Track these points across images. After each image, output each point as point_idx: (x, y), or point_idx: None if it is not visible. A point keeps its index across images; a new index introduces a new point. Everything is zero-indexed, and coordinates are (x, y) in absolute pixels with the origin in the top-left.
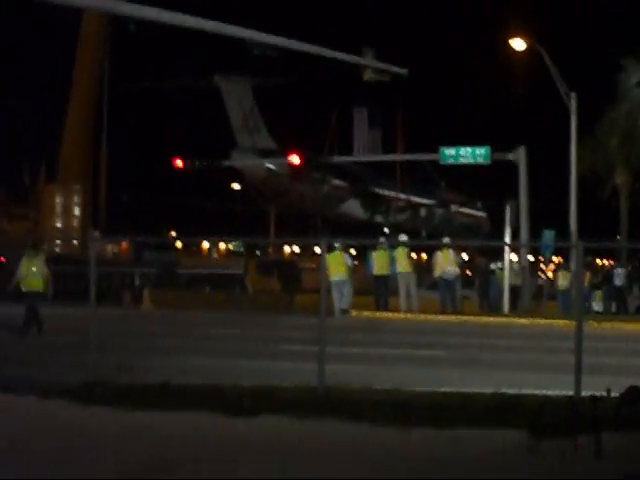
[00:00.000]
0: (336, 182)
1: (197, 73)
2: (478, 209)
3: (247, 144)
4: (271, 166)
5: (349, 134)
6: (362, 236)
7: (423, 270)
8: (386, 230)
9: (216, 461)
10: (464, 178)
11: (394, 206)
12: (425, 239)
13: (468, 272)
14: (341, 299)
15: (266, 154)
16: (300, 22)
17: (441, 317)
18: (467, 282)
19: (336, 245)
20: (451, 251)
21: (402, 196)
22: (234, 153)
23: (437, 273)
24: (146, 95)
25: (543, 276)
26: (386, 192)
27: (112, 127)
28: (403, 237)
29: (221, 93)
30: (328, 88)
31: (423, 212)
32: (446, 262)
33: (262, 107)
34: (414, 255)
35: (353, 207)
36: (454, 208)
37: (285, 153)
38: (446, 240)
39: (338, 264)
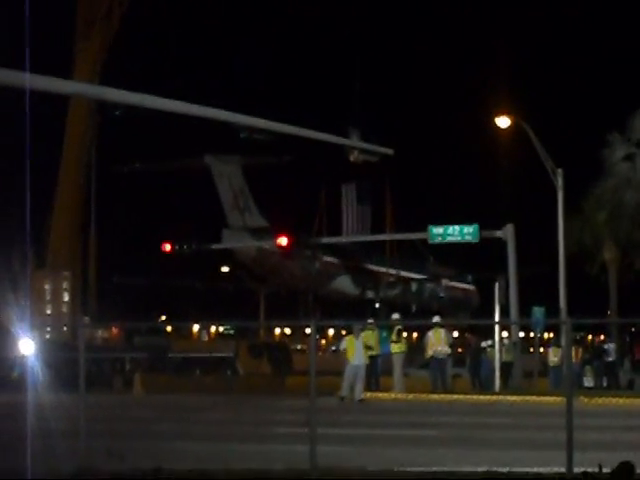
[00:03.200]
0: (327, 258)
1: (187, 154)
2: (468, 282)
3: (238, 223)
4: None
5: (339, 211)
6: (353, 312)
7: (414, 349)
8: (377, 306)
9: None
10: (453, 253)
11: (384, 281)
12: (415, 315)
13: (459, 350)
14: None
15: (257, 232)
16: (285, 103)
17: (432, 396)
18: (458, 360)
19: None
20: (443, 330)
21: (392, 271)
22: (225, 232)
23: (429, 353)
24: (135, 178)
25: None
26: (376, 267)
27: (101, 211)
28: (396, 316)
29: (212, 173)
30: (317, 167)
31: (414, 287)
32: (437, 342)
33: (252, 186)
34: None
35: (344, 283)
36: (445, 282)
37: (276, 231)
38: (437, 319)
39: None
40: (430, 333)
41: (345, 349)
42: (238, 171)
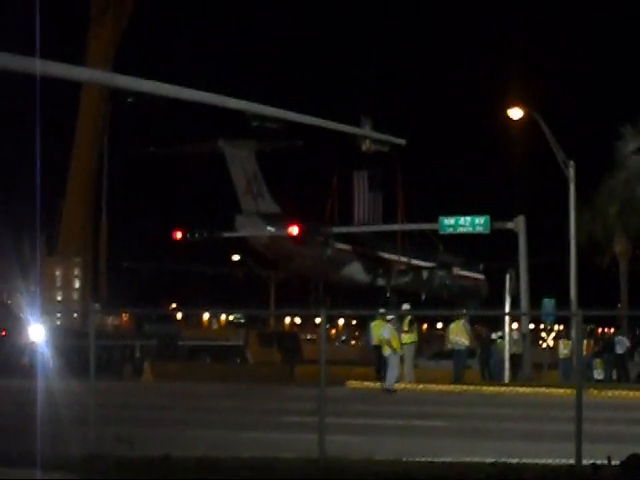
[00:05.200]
0: (339, 245)
1: (200, 138)
2: (478, 271)
3: (251, 209)
4: (274, 230)
5: (351, 198)
6: (364, 300)
7: (423, 340)
8: (387, 294)
9: None
10: (464, 243)
11: (395, 269)
12: (424, 304)
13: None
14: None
15: (269, 218)
16: (298, 92)
17: (441, 387)
18: (468, 351)
19: (388, 318)
20: (461, 322)
21: (403, 259)
22: (238, 218)
23: (449, 345)
24: (148, 163)
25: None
26: (387, 255)
27: (113, 198)
28: (406, 306)
29: (225, 158)
30: (329, 154)
31: (424, 275)
32: (454, 333)
33: (264, 172)
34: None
35: (356, 270)
36: (455, 271)
37: (288, 217)
38: (464, 312)
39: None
40: (452, 324)
41: (390, 338)
42: (251, 156)
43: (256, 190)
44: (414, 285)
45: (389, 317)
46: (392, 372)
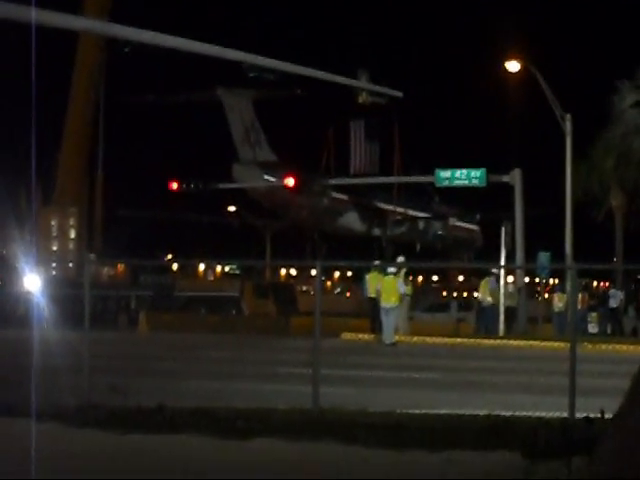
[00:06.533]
0: (335, 195)
1: (199, 87)
2: (474, 222)
3: (248, 157)
4: (271, 179)
5: (348, 147)
6: (360, 251)
7: (419, 292)
8: (384, 245)
9: None
10: (458, 194)
11: (391, 219)
12: (419, 255)
13: (464, 294)
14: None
15: (267, 167)
16: (296, 43)
17: (436, 339)
18: (463, 304)
19: (390, 270)
20: (486, 279)
21: (399, 209)
22: (235, 167)
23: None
24: (145, 112)
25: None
26: (383, 205)
27: (109, 149)
28: (401, 258)
29: (223, 107)
30: (326, 105)
31: (420, 225)
32: (480, 290)
33: (262, 121)
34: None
35: (352, 220)
36: (452, 221)
37: (285, 166)
38: (495, 270)
39: (391, 290)
40: (482, 281)
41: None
42: (249, 105)
43: (254, 139)
44: (409, 235)
45: (392, 270)
46: (393, 326)
